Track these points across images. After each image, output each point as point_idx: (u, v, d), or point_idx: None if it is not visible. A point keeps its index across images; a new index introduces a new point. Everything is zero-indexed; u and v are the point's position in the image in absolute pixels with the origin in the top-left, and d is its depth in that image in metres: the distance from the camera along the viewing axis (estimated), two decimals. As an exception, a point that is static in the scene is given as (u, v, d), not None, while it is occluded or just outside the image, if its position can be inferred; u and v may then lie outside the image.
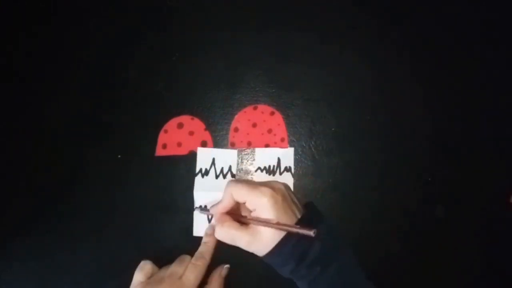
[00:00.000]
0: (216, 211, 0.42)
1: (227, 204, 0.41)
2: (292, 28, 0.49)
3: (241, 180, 0.40)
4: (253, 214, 0.39)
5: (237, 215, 0.42)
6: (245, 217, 0.40)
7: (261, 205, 0.37)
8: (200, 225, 0.47)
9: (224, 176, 0.47)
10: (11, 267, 0.46)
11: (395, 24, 0.50)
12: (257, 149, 0.48)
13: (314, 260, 0.36)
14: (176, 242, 0.46)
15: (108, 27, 0.50)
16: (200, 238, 0.46)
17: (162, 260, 0.45)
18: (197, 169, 0.47)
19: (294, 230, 0.36)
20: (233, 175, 0.48)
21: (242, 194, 0.39)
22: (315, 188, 0.47)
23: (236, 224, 0.39)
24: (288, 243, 0.37)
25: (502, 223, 0.47)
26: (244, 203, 0.39)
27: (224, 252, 0.44)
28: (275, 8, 0.50)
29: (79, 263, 0.46)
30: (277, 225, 0.37)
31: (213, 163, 0.47)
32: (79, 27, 0.50)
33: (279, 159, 0.48)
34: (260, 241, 0.37)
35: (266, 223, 0.37)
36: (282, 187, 0.40)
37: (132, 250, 0.45)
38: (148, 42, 0.49)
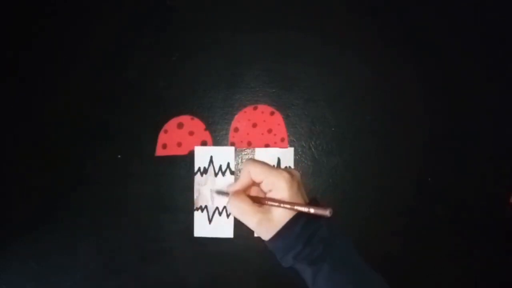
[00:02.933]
0: (232, 189, 0.41)
1: (244, 182, 0.40)
2: (292, 28, 0.49)
3: (260, 160, 0.40)
4: (268, 196, 0.39)
5: (251, 196, 0.41)
6: (259, 197, 0.40)
7: (278, 185, 0.37)
8: (200, 225, 0.47)
9: (223, 174, 0.47)
10: (11, 267, 0.46)
11: (395, 24, 0.50)
12: (257, 149, 0.48)
13: (319, 242, 0.36)
14: (176, 242, 0.46)
15: (108, 27, 0.50)
16: (200, 238, 0.46)
17: (162, 260, 0.45)
18: (196, 168, 0.47)
19: (309, 210, 0.36)
20: (232, 172, 0.48)
21: (260, 173, 0.38)
22: (315, 188, 0.47)
23: (249, 201, 0.39)
24: (297, 223, 0.36)
25: (502, 223, 0.47)
26: (260, 183, 0.39)
27: (224, 254, 0.44)
28: (275, 8, 0.50)
29: (79, 263, 0.46)
30: (291, 204, 0.37)
31: (211, 161, 0.47)
32: (79, 27, 0.50)
33: (279, 159, 0.48)
34: (270, 220, 0.37)
35: (280, 203, 0.37)
36: (298, 174, 0.40)
37: (132, 250, 0.45)
38: (148, 42, 0.49)
